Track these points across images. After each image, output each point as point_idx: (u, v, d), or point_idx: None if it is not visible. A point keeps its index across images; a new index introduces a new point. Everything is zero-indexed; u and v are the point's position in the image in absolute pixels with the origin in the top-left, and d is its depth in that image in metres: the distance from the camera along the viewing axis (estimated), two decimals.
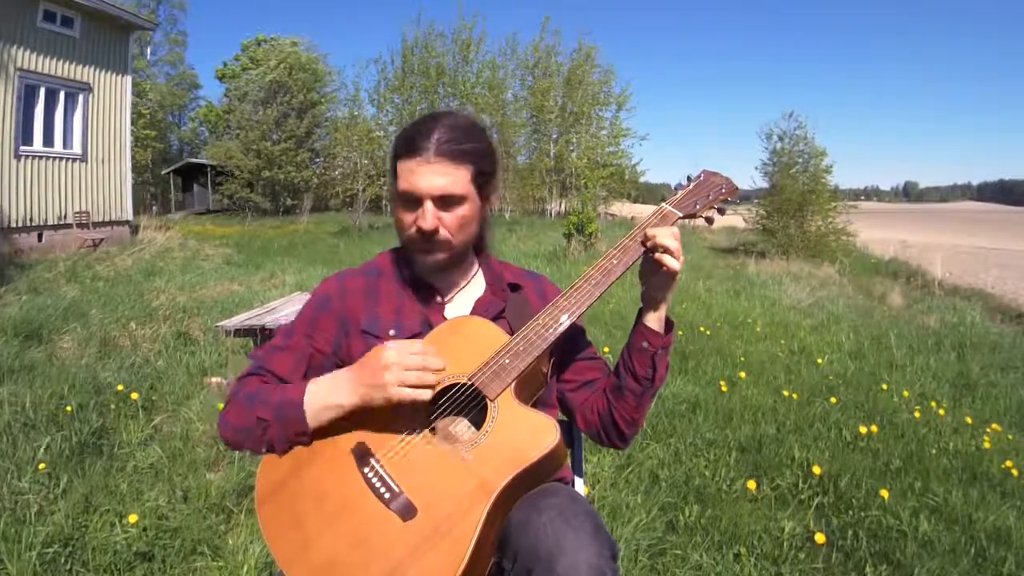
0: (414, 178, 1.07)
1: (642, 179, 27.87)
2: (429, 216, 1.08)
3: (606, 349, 4.16)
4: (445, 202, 1.09)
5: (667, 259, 1.05)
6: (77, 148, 10.78)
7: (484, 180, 1.12)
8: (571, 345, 1.20)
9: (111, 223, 11.39)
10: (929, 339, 5.91)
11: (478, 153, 1.10)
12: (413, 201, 1.09)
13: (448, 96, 22.47)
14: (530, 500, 0.94)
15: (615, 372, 1.16)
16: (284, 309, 4.26)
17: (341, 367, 1.14)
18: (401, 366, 0.97)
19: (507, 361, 1.02)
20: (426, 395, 0.98)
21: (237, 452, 2.75)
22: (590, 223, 12.05)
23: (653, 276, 1.09)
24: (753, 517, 2.40)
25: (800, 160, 14.64)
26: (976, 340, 5.93)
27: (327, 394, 1.02)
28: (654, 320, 1.12)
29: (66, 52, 10.35)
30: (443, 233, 1.10)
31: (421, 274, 1.18)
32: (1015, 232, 29.91)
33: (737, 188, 1.18)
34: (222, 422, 1.09)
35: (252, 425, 1.04)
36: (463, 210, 1.10)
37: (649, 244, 1.07)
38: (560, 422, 1.09)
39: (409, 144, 1.08)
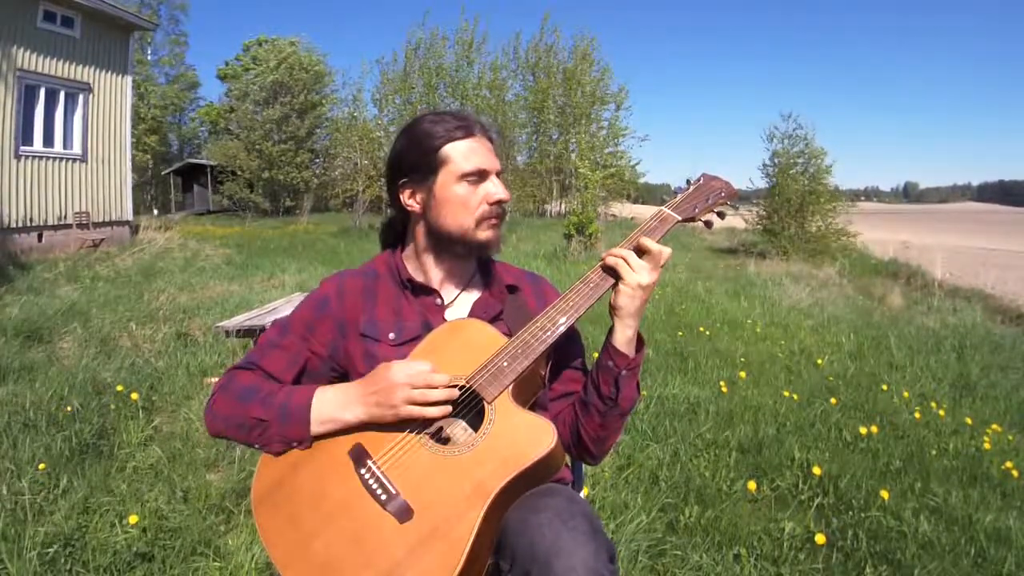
0: (477, 156, 1.12)
1: (642, 180, 27.87)
2: (502, 186, 1.14)
3: None
4: (498, 176, 1.15)
5: (620, 269, 1.05)
6: (77, 148, 10.78)
7: None
8: (563, 353, 1.18)
9: (111, 223, 11.39)
10: (929, 340, 5.91)
11: None
12: (477, 179, 1.12)
13: (448, 97, 22.45)
14: (528, 501, 0.94)
15: (584, 386, 1.14)
16: (284, 310, 4.26)
17: (337, 370, 1.15)
18: (409, 385, 0.98)
19: (505, 364, 1.02)
20: (433, 412, 0.99)
21: (237, 451, 2.75)
22: (590, 224, 12.05)
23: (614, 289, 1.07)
24: (753, 518, 2.40)
25: (800, 160, 14.64)
26: (976, 341, 5.92)
27: (334, 408, 1.03)
28: (621, 339, 1.07)
29: (66, 52, 10.35)
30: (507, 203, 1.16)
31: (420, 277, 1.18)
32: (1015, 233, 29.86)
33: (736, 192, 1.16)
34: (210, 412, 1.08)
35: (247, 422, 1.04)
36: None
37: (605, 260, 1.07)
38: None
39: (462, 128, 1.12)
